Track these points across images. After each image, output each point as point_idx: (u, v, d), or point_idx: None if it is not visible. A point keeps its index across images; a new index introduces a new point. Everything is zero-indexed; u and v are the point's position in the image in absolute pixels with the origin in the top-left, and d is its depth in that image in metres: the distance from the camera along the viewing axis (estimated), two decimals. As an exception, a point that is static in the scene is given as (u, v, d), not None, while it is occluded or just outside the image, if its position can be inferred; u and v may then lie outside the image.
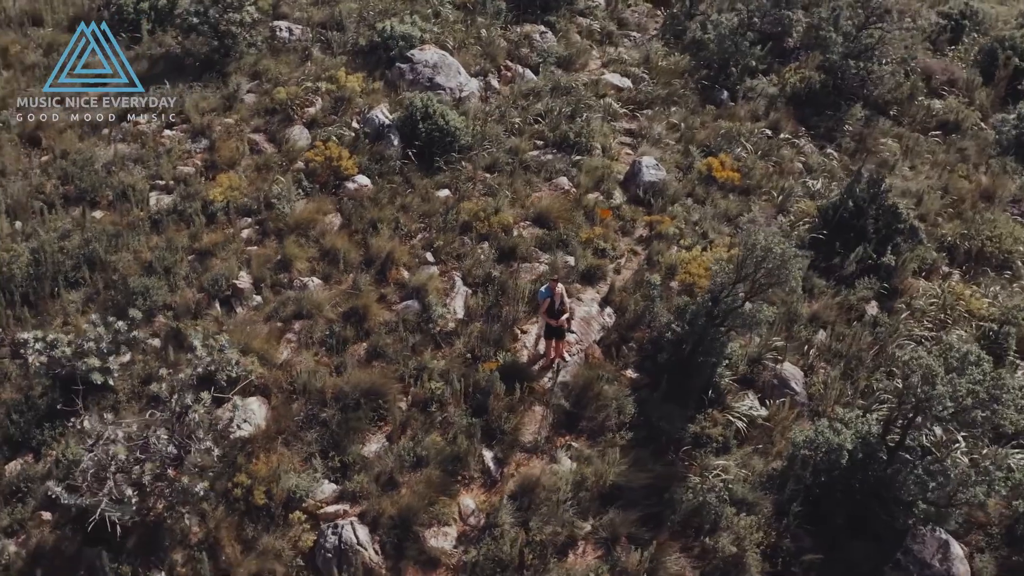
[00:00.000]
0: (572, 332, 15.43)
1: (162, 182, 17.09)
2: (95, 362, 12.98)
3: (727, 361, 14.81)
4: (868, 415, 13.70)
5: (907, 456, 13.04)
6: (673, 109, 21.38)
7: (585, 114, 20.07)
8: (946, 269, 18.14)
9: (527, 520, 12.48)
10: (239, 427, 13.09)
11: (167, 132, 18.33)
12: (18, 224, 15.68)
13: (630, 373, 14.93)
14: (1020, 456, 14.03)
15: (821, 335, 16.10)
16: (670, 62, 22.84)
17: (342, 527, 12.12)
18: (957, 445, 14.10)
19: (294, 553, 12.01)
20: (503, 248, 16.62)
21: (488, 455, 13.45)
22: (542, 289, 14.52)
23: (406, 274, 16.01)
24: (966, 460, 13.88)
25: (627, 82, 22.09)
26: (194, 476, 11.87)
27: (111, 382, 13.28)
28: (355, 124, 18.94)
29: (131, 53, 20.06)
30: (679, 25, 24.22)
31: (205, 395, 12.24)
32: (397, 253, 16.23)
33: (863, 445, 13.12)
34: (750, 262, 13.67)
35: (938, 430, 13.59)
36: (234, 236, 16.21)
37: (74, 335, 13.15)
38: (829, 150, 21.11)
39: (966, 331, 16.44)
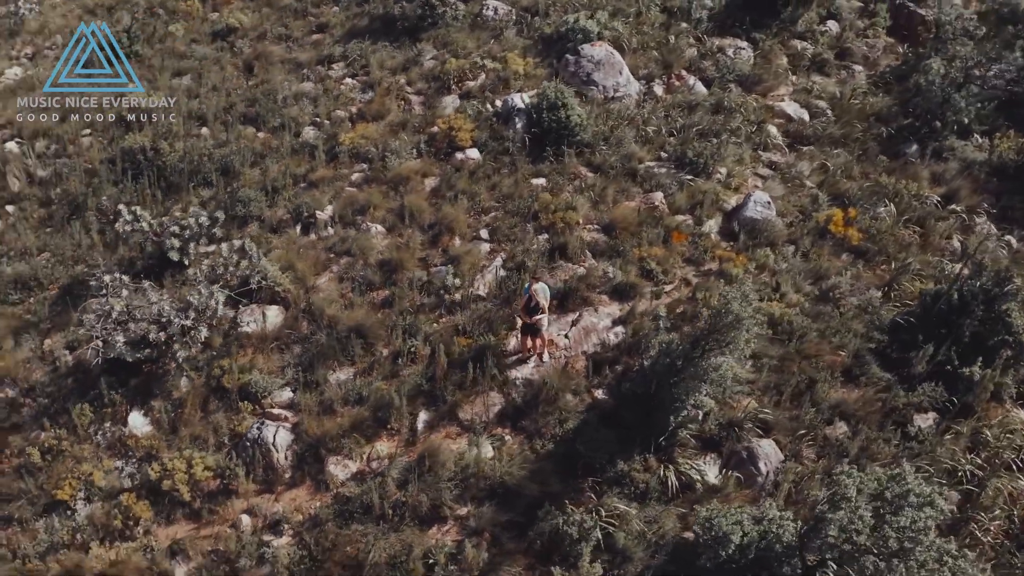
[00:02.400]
0: (566, 337, 15.54)
1: (319, 120, 20.26)
2: (175, 243, 16.47)
3: (697, 412, 13.87)
4: (796, 522, 12.05)
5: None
6: (836, 151, 19.28)
7: (724, 136, 19.09)
8: (1068, 408, 14.46)
9: (408, 481, 13.41)
10: (247, 324, 15.76)
11: (347, 80, 21.47)
12: (204, 130, 19.98)
13: (600, 393, 14.70)
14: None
15: (837, 426, 14.11)
16: (865, 102, 20.40)
17: (266, 426, 14.18)
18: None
19: (228, 432, 14.39)
20: (556, 243, 17.02)
21: (423, 417, 14.47)
22: (525, 286, 14.88)
23: (457, 243, 17.26)
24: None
25: (803, 114, 20.31)
26: (183, 345, 14.78)
27: (186, 262, 16.72)
28: (497, 103, 20.31)
29: (357, 10, 23.58)
30: (907, 66, 21.34)
31: (216, 289, 15.08)
32: (459, 223, 17.52)
33: (763, 547, 11.72)
34: (715, 315, 12.73)
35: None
36: (344, 176, 18.82)
37: (166, 217, 16.77)
38: (1009, 237, 17.49)
39: (1034, 485, 13.21)
